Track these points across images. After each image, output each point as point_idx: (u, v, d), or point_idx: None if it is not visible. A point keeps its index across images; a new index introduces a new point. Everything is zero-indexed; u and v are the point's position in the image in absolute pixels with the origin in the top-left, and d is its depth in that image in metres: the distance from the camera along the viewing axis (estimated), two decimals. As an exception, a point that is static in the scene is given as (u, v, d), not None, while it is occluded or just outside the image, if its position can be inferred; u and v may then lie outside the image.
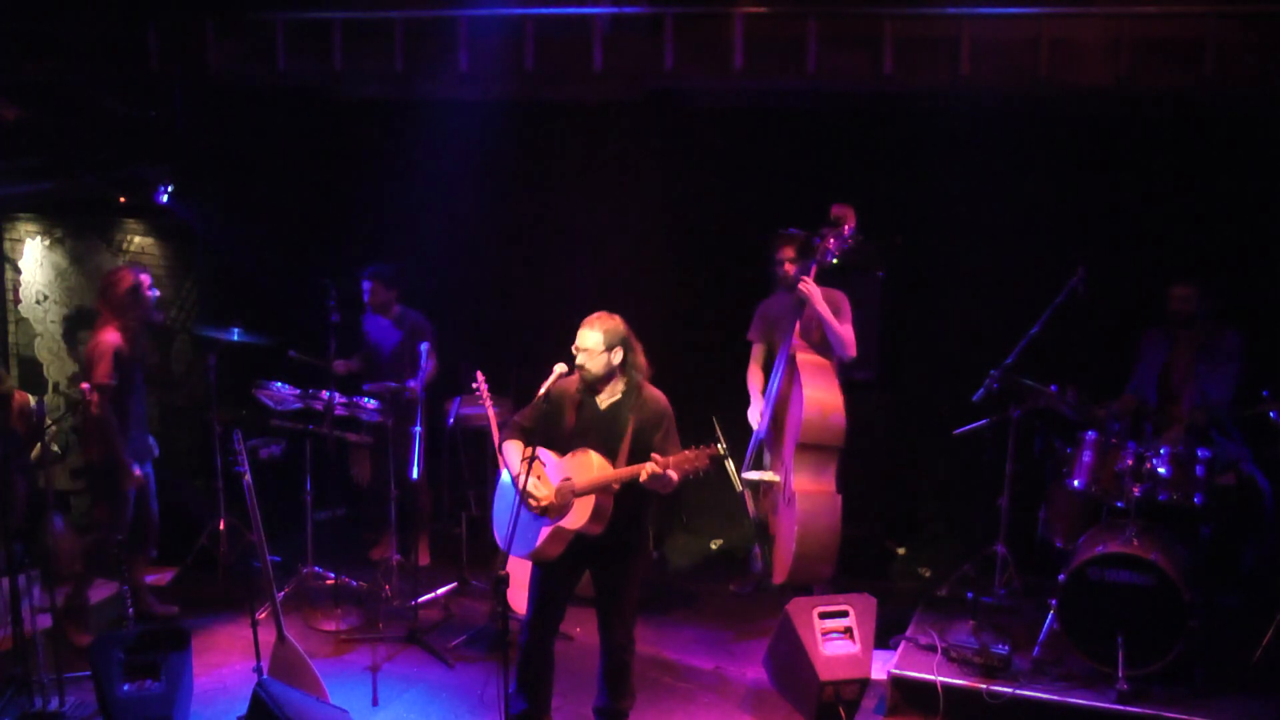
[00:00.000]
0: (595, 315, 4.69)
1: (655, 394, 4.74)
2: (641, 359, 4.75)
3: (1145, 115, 6.55)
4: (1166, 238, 6.55)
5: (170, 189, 7.22)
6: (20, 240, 7.03)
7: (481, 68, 6.88)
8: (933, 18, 6.24)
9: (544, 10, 6.75)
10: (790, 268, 6.11)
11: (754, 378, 6.31)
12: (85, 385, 5.62)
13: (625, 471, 4.53)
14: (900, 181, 6.89)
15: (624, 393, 4.69)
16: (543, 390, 4.63)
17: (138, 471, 5.84)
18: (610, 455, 4.60)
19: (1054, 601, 5.22)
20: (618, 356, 4.66)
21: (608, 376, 4.68)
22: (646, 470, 4.45)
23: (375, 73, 7.15)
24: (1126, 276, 6.49)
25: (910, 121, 6.83)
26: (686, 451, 4.47)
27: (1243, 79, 5.87)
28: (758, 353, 6.34)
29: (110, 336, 5.79)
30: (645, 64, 6.69)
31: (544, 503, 4.62)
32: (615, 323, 4.68)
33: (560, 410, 4.69)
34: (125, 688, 4.87)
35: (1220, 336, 5.82)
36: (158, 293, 6.02)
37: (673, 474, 4.45)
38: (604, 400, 4.72)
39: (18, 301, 6.98)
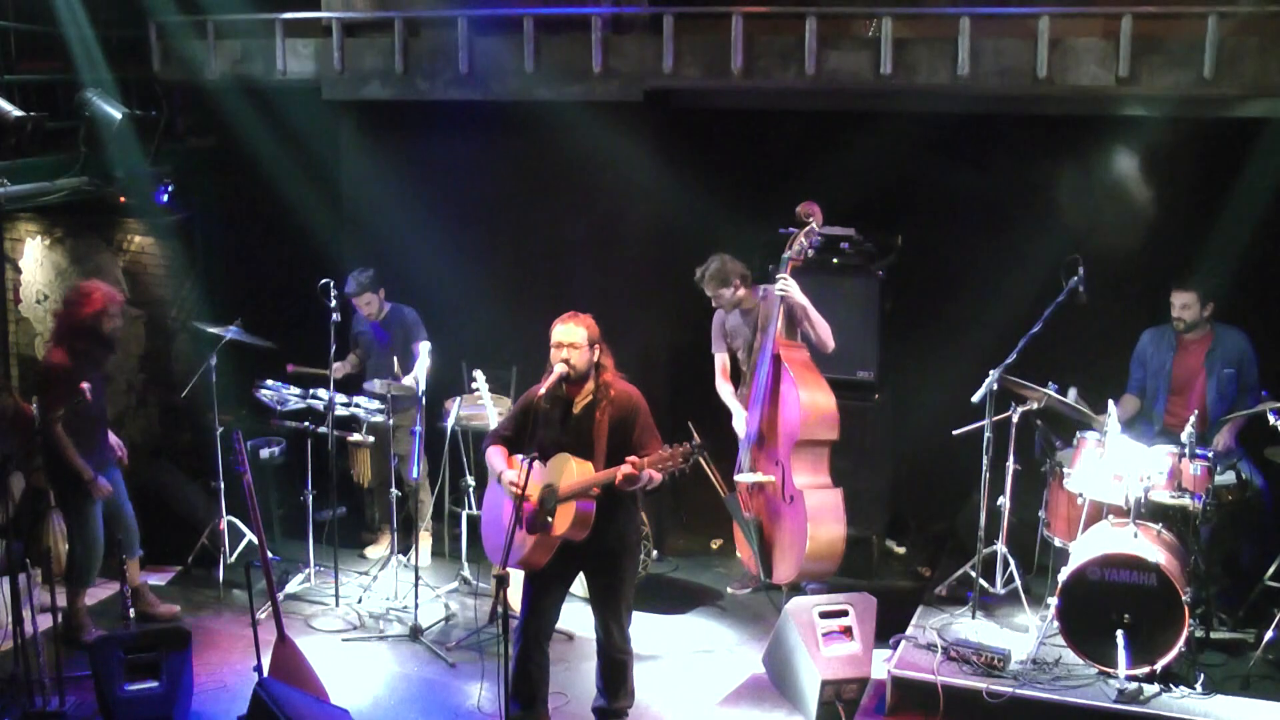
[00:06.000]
0: (569, 314, 4.72)
1: (625, 389, 4.73)
2: (609, 360, 4.76)
3: (1144, 115, 6.54)
4: (1166, 238, 6.54)
5: (170, 189, 7.22)
6: (20, 240, 7.03)
7: (481, 68, 6.88)
8: (933, 18, 6.23)
9: (544, 10, 6.74)
10: (741, 292, 6.12)
11: (723, 389, 6.32)
12: (84, 385, 5.59)
13: (602, 476, 4.53)
14: (900, 181, 6.88)
15: (594, 393, 4.70)
16: (543, 389, 4.63)
17: (104, 483, 5.77)
18: (588, 458, 4.60)
19: (1054, 601, 5.22)
20: (597, 353, 4.68)
21: (587, 375, 4.69)
22: (621, 474, 4.44)
23: (375, 73, 7.15)
24: (1126, 276, 6.49)
25: (910, 121, 6.83)
26: (661, 451, 4.46)
27: (1243, 79, 5.87)
28: (723, 363, 6.34)
29: (57, 358, 5.69)
30: (645, 64, 6.69)
31: (531, 499, 4.61)
32: (591, 321, 4.72)
33: (538, 417, 4.67)
34: (125, 688, 4.88)
35: (1226, 337, 5.82)
36: (120, 322, 5.89)
37: (652, 474, 4.44)
38: (577, 403, 4.72)
39: (18, 301, 6.99)
